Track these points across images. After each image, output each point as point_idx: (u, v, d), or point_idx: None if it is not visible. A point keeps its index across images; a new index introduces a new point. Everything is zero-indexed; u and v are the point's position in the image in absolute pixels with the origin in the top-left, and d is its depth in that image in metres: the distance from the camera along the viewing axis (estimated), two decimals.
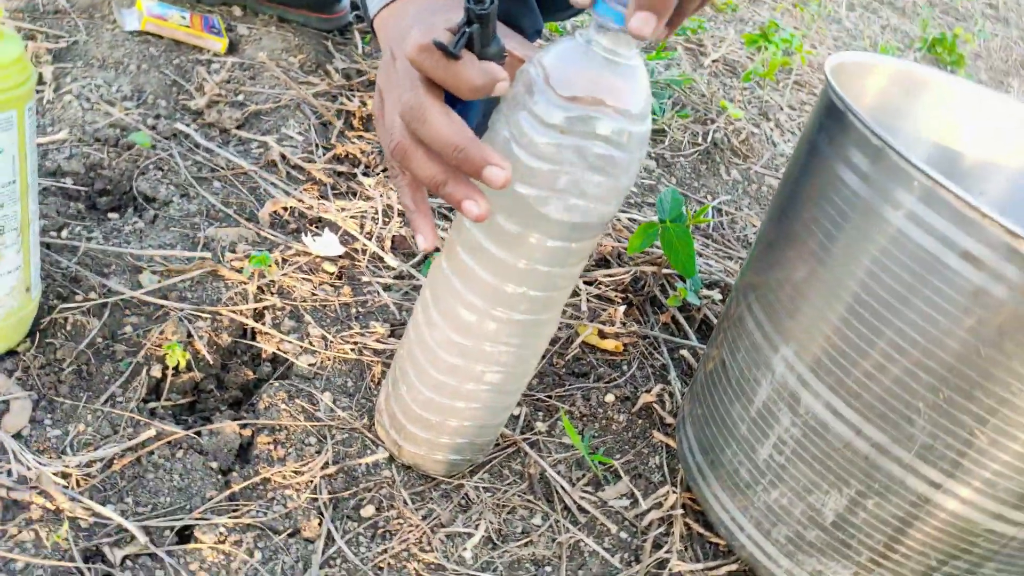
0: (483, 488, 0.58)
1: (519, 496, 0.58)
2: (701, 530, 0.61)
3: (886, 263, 0.45)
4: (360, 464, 0.56)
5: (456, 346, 0.52)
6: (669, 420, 0.70)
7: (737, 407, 0.56)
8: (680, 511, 0.61)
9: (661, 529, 0.60)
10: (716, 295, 0.85)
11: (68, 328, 0.57)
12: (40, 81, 0.82)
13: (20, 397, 0.51)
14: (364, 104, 1.01)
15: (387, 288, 0.74)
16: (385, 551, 0.51)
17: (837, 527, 0.51)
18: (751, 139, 1.32)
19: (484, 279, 0.50)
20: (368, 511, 0.53)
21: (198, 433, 0.54)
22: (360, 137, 0.95)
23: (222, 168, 0.80)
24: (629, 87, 0.44)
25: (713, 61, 1.59)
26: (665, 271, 0.85)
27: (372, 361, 0.65)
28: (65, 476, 0.48)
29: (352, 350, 0.65)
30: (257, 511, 0.50)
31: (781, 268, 0.53)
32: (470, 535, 0.54)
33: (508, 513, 0.57)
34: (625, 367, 0.75)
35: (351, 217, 0.80)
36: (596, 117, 0.44)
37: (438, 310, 0.52)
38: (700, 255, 0.94)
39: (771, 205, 0.58)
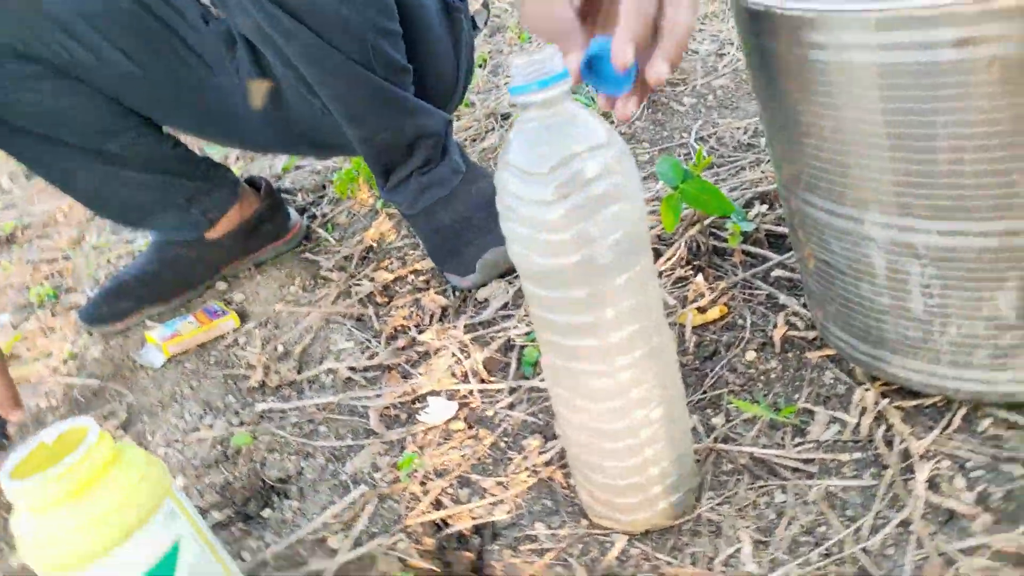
0: (717, 504, 0.59)
1: (749, 489, 0.59)
2: (913, 402, 0.61)
3: (895, 95, 0.47)
4: (610, 560, 0.57)
5: (612, 412, 0.54)
6: (811, 335, 0.71)
7: (865, 286, 0.57)
8: (884, 401, 0.61)
9: (882, 427, 0.60)
10: (761, 208, 0.86)
11: None
12: None
13: None
14: (373, 280, 1.05)
15: (511, 407, 0.77)
16: None
17: (1022, 318, 0.52)
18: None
19: (592, 345, 0.52)
20: None
21: None
22: (392, 306, 0.99)
23: (317, 413, 0.84)
24: (582, 126, 0.48)
25: None
26: (707, 221, 0.87)
27: (550, 472, 0.67)
28: None
29: (528, 476, 0.68)
30: None
31: (816, 158, 0.55)
32: (739, 550, 0.55)
33: (752, 509, 0.58)
34: (741, 321, 0.76)
35: (440, 374, 0.83)
36: (580, 168, 0.47)
37: (576, 396, 0.55)
38: (719, 184, 0.96)
39: (762, 121, 0.60)
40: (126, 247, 1.45)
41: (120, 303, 1.13)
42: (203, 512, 0.76)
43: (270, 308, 1.07)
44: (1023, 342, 0.53)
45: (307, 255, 1.20)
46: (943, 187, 0.49)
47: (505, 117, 1.42)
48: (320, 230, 1.26)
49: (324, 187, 1.44)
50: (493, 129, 1.40)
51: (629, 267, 0.51)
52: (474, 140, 1.39)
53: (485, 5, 1.00)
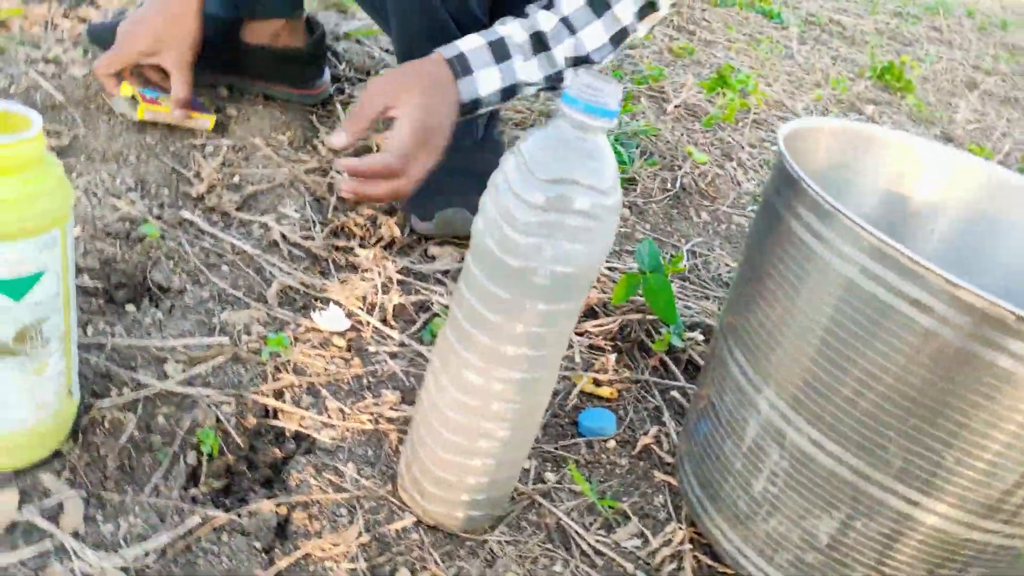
0: (505, 541, 0.62)
1: (539, 546, 0.62)
2: (710, 562, 0.65)
3: (846, 310, 0.51)
4: (390, 530, 0.60)
5: (465, 407, 0.57)
6: (668, 459, 0.75)
7: (729, 444, 0.61)
8: (688, 546, 0.66)
9: (673, 565, 0.64)
10: (699, 336, 0.91)
11: (107, 425, 0.61)
12: None
13: (72, 496, 0.55)
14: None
15: (393, 356, 0.79)
16: None
17: (832, 548, 0.56)
18: (716, 180, 1.40)
19: (485, 343, 0.55)
20: (403, 574, 0.57)
21: (238, 515, 0.58)
22: (352, 210, 1.00)
23: (228, 252, 0.85)
24: (598, 165, 0.51)
25: (675, 107, 1.67)
26: (649, 317, 0.91)
27: (388, 429, 0.69)
28: (124, 570, 0.51)
29: (369, 420, 0.70)
30: None
31: (754, 316, 0.59)
32: None
33: (531, 563, 0.61)
34: (622, 412, 0.80)
35: (353, 290, 0.85)
36: (572, 196, 0.50)
37: (446, 375, 0.58)
38: (679, 298, 1.00)
39: (741, 259, 0.64)
40: None
41: None
42: (77, 271, 0.76)
43: (250, 139, 1.07)
44: (819, 567, 0.57)
45: (313, 118, 1.20)
46: (835, 406, 0.53)
47: (550, 116, 1.44)
48: (340, 107, 1.26)
49: (369, 73, 1.44)
50: (534, 124, 1.42)
51: (556, 301, 0.53)
52: (516, 125, 1.41)
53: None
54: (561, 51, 0.85)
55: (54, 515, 0.53)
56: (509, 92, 0.86)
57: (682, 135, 1.53)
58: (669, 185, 1.32)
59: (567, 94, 0.50)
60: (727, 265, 1.16)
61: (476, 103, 0.85)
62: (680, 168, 1.37)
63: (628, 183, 1.30)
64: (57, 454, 0.58)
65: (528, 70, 0.85)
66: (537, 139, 0.52)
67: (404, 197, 0.83)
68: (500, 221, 0.51)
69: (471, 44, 0.84)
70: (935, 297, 0.46)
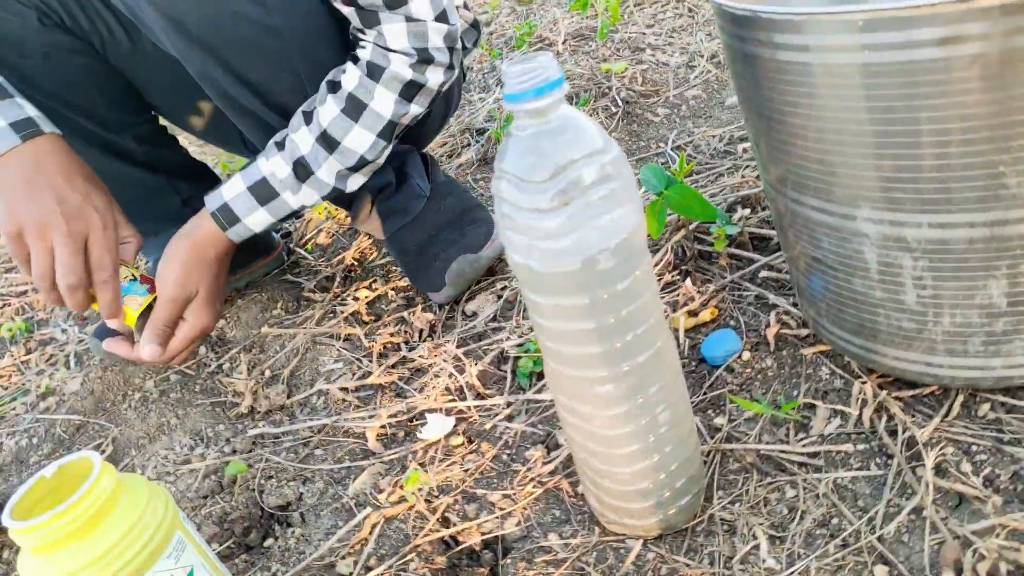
0: (728, 503, 0.60)
1: (759, 486, 0.60)
2: (911, 392, 0.63)
3: (879, 93, 0.48)
4: (627, 566, 0.57)
5: (618, 418, 0.55)
6: (804, 333, 0.72)
7: (858, 281, 0.59)
8: (883, 392, 0.63)
9: (884, 418, 0.61)
10: (744, 212, 0.88)
11: None
12: None
13: None
14: (357, 299, 1.05)
15: (510, 419, 0.77)
16: None
17: (1015, 304, 0.53)
18: (647, 75, 1.37)
19: (595, 352, 0.52)
20: None
21: None
22: (379, 323, 0.98)
23: (311, 437, 0.83)
24: (578, 133, 0.49)
25: (564, 43, 1.65)
26: (692, 226, 0.88)
27: (557, 482, 0.67)
28: None
29: (534, 486, 0.67)
30: None
31: (803, 158, 0.56)
32: (757, 548, 0.56)
33: (765, 506, 0.58)
34: (733, 322, 0.77)
35: (435, 389, 0.83)
36: (578, 175, 0.48)
37: (580, 403, 0.55)
38: (701, 190, 0.98)
39: (748, 121, 0.61)
40: None
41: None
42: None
43: (253, 332, 1.05)
44: (1015, 328, 0.54)
45: (288, 277, 1.18)
46: (930, 181, 0.50)
47: (481, 132, 1.42)
48: (301, 250, 1.25)
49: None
50: (469, 144, 1.40)
51: (630, 272, 0.51)
52: (450, 156, 1.39)
53: (475, 25, 1.00)
54: (327, 171, 0.82)
55: None
56: (289, 216, 0.88)
57: (589, 61, 1.50)
58: (613, 108, 1.30)
59: (507, 94, 0.48)
60: (713, 136, 1.13)
61: (252, 237, 0.88)
62: (611, 89, 1.35)
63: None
64: None
65: (303, 197, 0.85)
66: (511, 152, 0.49)
67: (208, 331, 0.89)
68: (533, 243, 0.49)
69: (234, 191, 0.84)
70: (959, 23, 0.44)
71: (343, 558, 0.67)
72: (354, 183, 0.86)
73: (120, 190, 0.99)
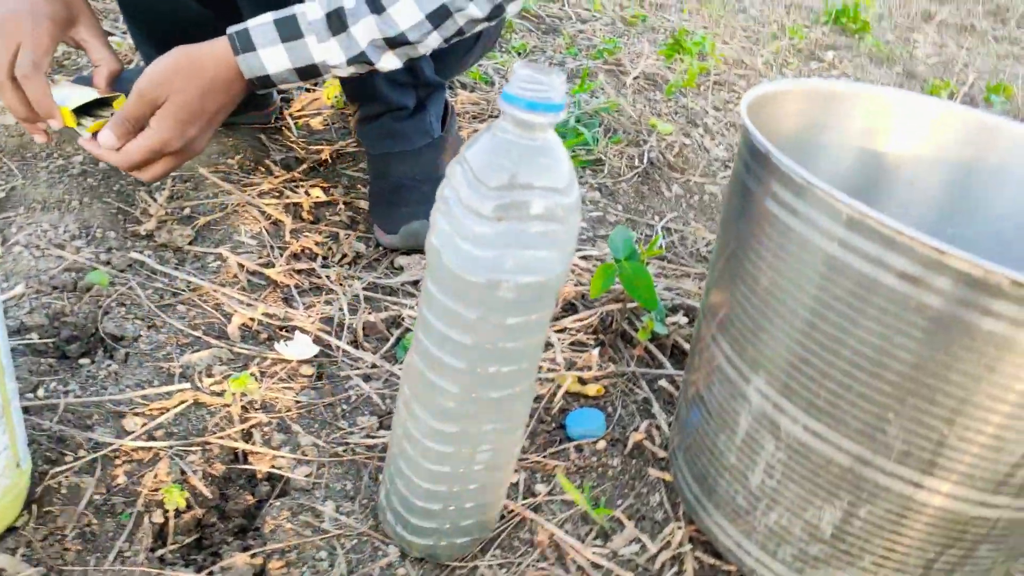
0: (498, 565, 0.59)
1: (533, 566, 0.59)
2: (712, 560, 0.63)
3: (830, 288, 0.48)
4: (375, 569, 0.57)
5: (442, 435, 0.54)
6: (661, 454, 0.72)
7: (722, 437, 0.58)
8: (689, 546, 0.63)
9: (675, 568, 0.61)
10: (682, 319, 0.88)
11: (63, 492, 0.57)
12: None
13: (30, 574, 0.51)
14: (308, 194, 1.02)
15: (367, 379, 0.75)
16: None
17: (837, 538, 0.53)
18: (684, 151, 1.36)
19: (456, 366, 0.51)
20: None
21: (211, 572, 0.54)
22: (313, 229, 0.96)
23: (184, 291, 0.81)
24: (550, 163, 0.47)
25: (634, 79, 1.64)
26: (630, 305, 0.88)
27: (367, 458, 0.66)
28: None
29: (345, 451, 0.66)
30: None
31: (736, 302, 0.56)
32: None
33: None
34: (610, 408, 0.77)
35: (319, 314, 0.81)
36: (527, 200, 0.46)
37: (418, 404, 0.54)
38: (659, 280, 0.97)
39: (716, 241, 0.61)
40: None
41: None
42: (24, 330, 0.72)
43: (197, 168, 1.02)
44: (825, 558, 0.55)
45: (263, 136, 1.15)
46: (828, 390, 0.50)
47: None
48: (290, 120, 1.22)
49: (317, 83, 1.39)
50: (498, 116, 1.38)
51: (527, 313, 0.50)
52: (475, 118, 1.37)
53: None
54: (363, 31, 0.76)
55: None
56: (308, 72, 0.79)
57: (644, 107, 1.49)
58: (637, 161, 1.29)
59: (507, 92, 0.46)
60: (704, 239, 1.13)
61: (266, 80, 0.79)
62: (646, 142, 1.34)
63: (595, 164, 1.26)
64: (11, 530, 0.54)
65: (328, 51, 0.77)
66: (481, 144, 0.48)
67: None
68: (455, 237, 0.48)
69: (259, 21, 0.78)
70: (923, 266, 0.43)
71: (136, 414, 0.65)
72: (385, 61, 0.79)
73: (168, 19, 0.95)
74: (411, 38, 0.77)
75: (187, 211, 0.94)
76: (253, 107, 1.16)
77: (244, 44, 0.78)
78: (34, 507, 0.56)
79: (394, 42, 0.77)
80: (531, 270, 0.48)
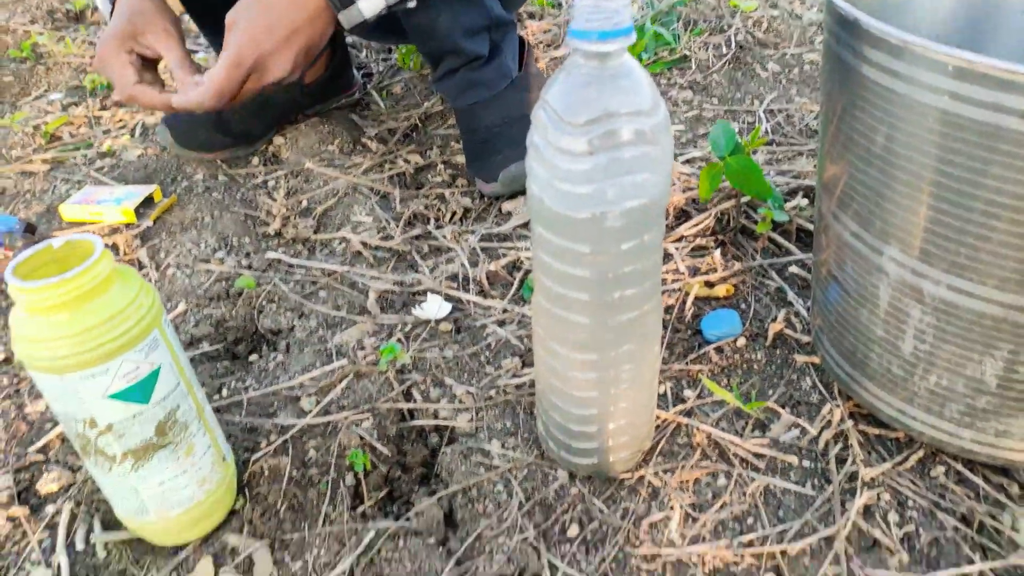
0: (662, 471, 0.62)
1: (697, 466, 0.62)
2: (877, 431, 0.63)
3: (950, 144, 0.46)
4: (549, 492, 0.61)
5: (584, 363, 0.56)
6: (804, 339, 0.72)
7: (864, 312, 0.58)
8: (850, 422, 0.63)
9: (839, 445, 0.62)
10: (802, 201, 0.85)
11: (267, 473, 0.65)
12: (140, 265, 0.91)
13: (258, 548, 0.59)
14: (408, 161, 1.06)
15: (501, 324, 0.79)
16: (603, 559, 0.56)
17: (1003, 387, 0.52)
18: (774, 24, 1.29)
19: (583, 299, 0.54)
20: (574, 530, 0.58)
21: (407, 519, 0.60)
22: (419, 194, 1.00)
23: (320, 277, 0.87)
24: (631, 87, 0.47)
25: None
26: (744, 199, 0.86)
27: (518, 397, 0.70)
28: None
29: (496, 393, 0.71)
30: (483, 567, 0.56)
31: (853, 176, 0.54)
32: (669, 518, 0.58)
33: (694, 485, 0.61)
34: (744, 306, 0.77)
35: (444, 274, 0.85)
36: (616, 128, 0.47)
37: (556, 341, 0.57)
38: (770, 165, 0.94)
39: (820, 118, 0.59)
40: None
41: (207, 133, 1.09)
42: (195, 341, 0.80)
43: (303, 160, 1.08)
44: (994, 408, 0.54)
45: (354, 116, 1.20)
46: (967, 246, 0.48)
47: None
48: (375, 94, 1.25)
49: (390, 50, 1.42)
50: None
51: (636, 236, 0.51)
52: (548, 46, 1.35)
53: None
54: None
55: (247, 568, 0.58)
56: (398, 3, 0.81)
57: None
58: (724, 48, 1.23)
59: (573, 28, 0.46)
60: (811, 112, 1.08)
61: (362, 23, 0.81)
62: (731, 26, 1.28)
63: (681, 62, 1.22)
64: (233, 513, 0.62)
65: None
66: (560, 84, 0.49)
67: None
68: (553, 180, 0.49)
69: None
70: None
71: (309, 395, 0.72)
72: None
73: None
74: None
75: (304, 203, 1.01)
76: (340, 89, 1.20)
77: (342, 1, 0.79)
78: (246, 491, 0.64)
79: None
80: (633, 195, 0.49)
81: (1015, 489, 0.58)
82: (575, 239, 0.51)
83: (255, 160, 1.12)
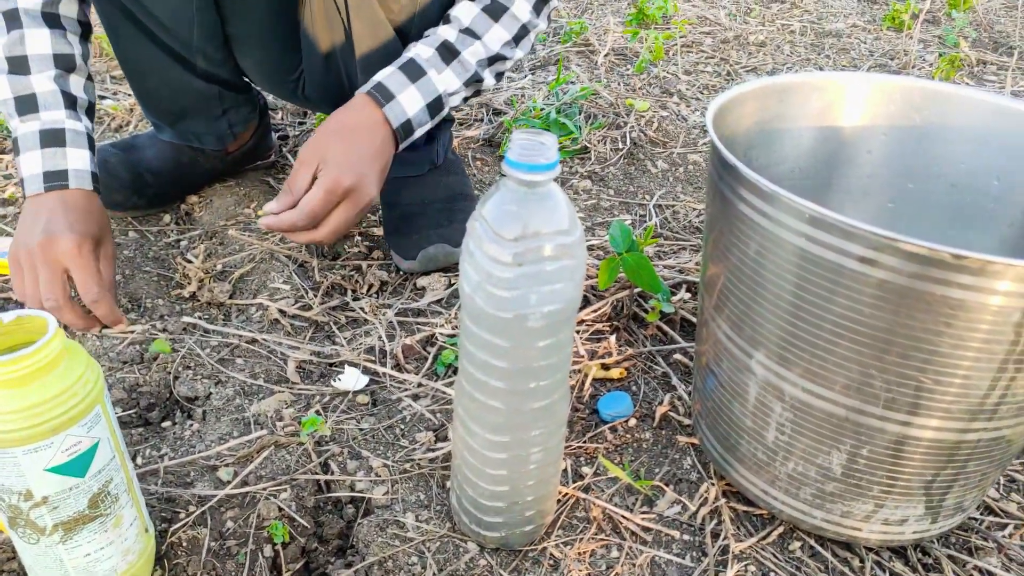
0: (562, 543, 0.69)
1: (593, 539, 0.69)
2: (745, 508, 0.72)
3: (805, 275, 0.56)
4: (460, 564, 0.66)
5: (497, 444, 0.63)
6: (686, 421, 0.81)
7: (736, 405, 0.67)
8: (723, 500, 0.72)
9: (714, 521, 0.71)
10: (685, 295, 0.96)
11: (185, 545, 0.66)
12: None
13: None
14: None
15: (416, 398, 0.84)
16: None
17: (847, 476, 0.63)
18: (663, 124, 1.43)
19: (500, 387, 0.60)
20: None
21: None
22: (335, 264, 1.04)
23: (238, 343, 0.90)
24: (553, 209, 0.56)
25: (605, 56, 1.70)
26: (636, 290, 0.96)
27: (432, 470, 0.75)
28: None
29: (411, 466, 0.76)
30: None
31: (727, 288, 0.64)
32: None
33: (590, 557, 0.68)
34: (635, 388, 0.86)
35: (361, 346, 0.90)
36: (540, 245, 0.55)
37: (473, 422, 0.63)
38: (659, 258, 1.06)
39: (704, 229, 0.69)
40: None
41: (124, 195, 1.09)
42: None
43: (219, 223, 1.10)
44: (840, 493, 0.64)
45: (269, 179, 1.23)
46: (818, 357, 0.59)
47: (497, 113, 1.47)
48: (291, 157, 1.29)
49: (306, 114, 1.46)
50: (482, 120, 1.45)
51: (553, 335, 0.59)
52: (461, 124, 1.44)
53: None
54: (471, 54, 0.90)
55: None
56: (435, 107, 0.91)
57: (619, 85, 1.56)
58: (620, 144, 1.36)
59: (508, 159, 0.54)
60: (694, 209, 1.21)
61: (408, 126, 0.89)
62: (626, 123, 1.41)
63: (582, 153, 1.34)
64: None
65: (446, 80, 0.90)
66: (494, 202, 0.56)
67: (323, 245, 0.92)
68: (484, 284, 0.56)
69: (386, 72, 0.89)
70: (878, 251, 0.52)
71: (227, 465, 0.74)
72: (488, 77, 0.93)
73: (174, 88, 1.03)
74: (505, 54, 0.92)
75: (220, 267, 1.03)
76: (259, 156, 1.24)
77: (383, 94, 0.88)
78: (164, 562, 0.65)
79: (493, 59, 0.92)
80: (551, 300, 0.57)
81: (856, 563, 0.69)
82: (499, 335, 0.58)
83: (166, 218, 1.13)
